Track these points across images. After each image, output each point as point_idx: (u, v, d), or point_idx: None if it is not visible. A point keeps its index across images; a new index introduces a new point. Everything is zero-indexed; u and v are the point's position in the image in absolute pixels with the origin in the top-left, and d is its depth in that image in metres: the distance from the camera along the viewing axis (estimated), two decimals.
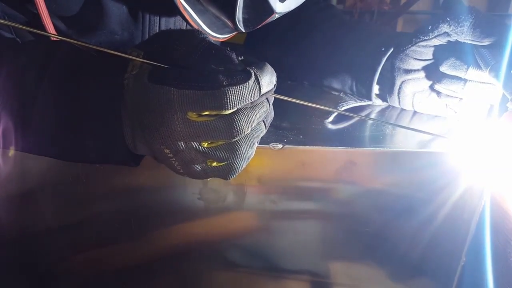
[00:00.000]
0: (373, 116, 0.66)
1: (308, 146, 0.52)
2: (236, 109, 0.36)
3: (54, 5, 0.52)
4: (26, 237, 0.58)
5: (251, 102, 0.37)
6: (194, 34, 0.39)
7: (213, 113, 0.36)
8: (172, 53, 0.38)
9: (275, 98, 0.42)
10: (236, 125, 0.37)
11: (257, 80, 0.37)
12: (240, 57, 0.39)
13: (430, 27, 0.61)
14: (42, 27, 0.52)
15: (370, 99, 0.68)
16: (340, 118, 0.62)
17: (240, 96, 0.36)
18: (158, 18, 0.60)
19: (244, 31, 0.52)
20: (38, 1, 0.50)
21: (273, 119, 0.43)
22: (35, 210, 0.56)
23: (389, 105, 0.70)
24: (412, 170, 0.55)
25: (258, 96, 0.37)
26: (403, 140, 0.57)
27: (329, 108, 0.47)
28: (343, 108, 0.65)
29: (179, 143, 0.38)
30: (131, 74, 0.38)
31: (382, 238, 0.59)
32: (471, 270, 0.59)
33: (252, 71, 0.37)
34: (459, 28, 0.58)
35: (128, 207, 0.56)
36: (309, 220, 0.58)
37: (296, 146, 0.52)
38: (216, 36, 0.58)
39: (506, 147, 0.51)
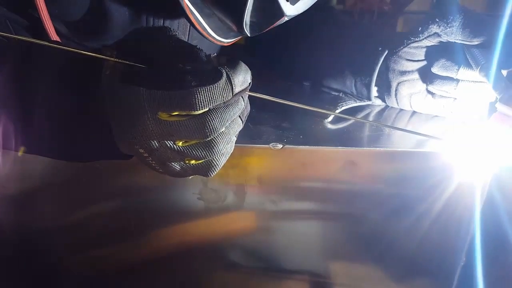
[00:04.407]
0: (372, 115, 0.66)
1: (308, 146, 0.53)
2: (207, 109, 0.36)
3: (56, 10, 0.52)
4: (26, 237, 0.58)
5: (224, 102, 0.37)
6: (163, 31, 0.39)
7: (183, 113, 0.36)
8: (142, 51, 0.37)
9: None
10: (208, 125, 0.36)
11: (229, 80, 0.36)
12: (214, 54, 0.38)
13: (420, 28, 0.60)
14: (44, 31, 0.52)
15: (369, 99, 0.68)
16: (339, 118, 0.62)
17: (210, 96, 0.35)
18: (162, 21, 0.60)
19: (249, 35, 0.51)
20: (39, 6, 0.50)
21: (273, 119, 0.43)
22: (35, 210, 0.56)
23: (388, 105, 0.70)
24: (412, 170, 0.55)
25: (231, 96, 0.37)
26: (403, 140, 0.57)
27: (313, 108, 0.46)
28: (343, 108, 0.65)
29: (152, 142, 0.37)
30: (105, 75, 0.38)
31: (382, 238, 0.59)
32: (470, 270, 0.59)
33: (224, 71, 0.36)
34: (448, 29, 0.57)
35: (128, 207, 0.56)
36: (309, 220, 0.58)
37: (296, 146, 0.52)
38: (221, 41, 0.57)
39: (495, 148, 0.51)
